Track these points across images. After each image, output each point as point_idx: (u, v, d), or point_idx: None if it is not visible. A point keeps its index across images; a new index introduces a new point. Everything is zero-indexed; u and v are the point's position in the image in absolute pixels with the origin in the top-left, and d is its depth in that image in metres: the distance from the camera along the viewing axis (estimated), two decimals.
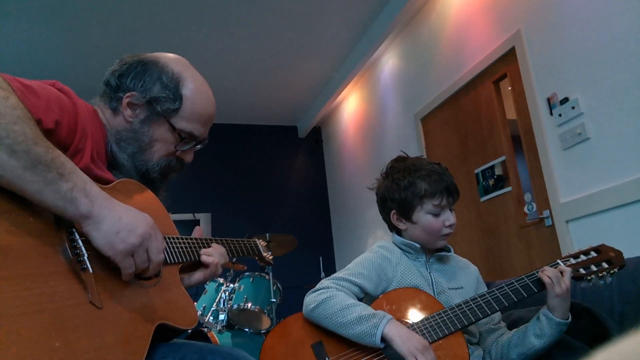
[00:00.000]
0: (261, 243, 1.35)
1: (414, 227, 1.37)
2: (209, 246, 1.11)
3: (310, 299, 1.28)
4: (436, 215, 1.33)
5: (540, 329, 1.22)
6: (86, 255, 0.79)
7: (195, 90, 1.07)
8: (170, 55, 1.11)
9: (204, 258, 1.07)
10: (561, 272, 1.21)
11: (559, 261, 1.26)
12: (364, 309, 1.22)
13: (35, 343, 0.67)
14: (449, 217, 1.34)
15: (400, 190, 1.36)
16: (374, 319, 1.19)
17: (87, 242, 0.81)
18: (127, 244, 0.81)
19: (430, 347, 1.16)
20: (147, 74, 1.04)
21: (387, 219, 1.44)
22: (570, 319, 1.22)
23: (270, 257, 1.37)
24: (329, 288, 1.29)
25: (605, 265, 1.23)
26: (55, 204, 0.75)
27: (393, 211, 1.40)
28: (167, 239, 1.00)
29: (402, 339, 1.14)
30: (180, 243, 1.04)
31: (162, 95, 1.03)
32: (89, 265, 0.79)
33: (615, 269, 1.22)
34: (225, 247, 1.17)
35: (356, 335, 1.19)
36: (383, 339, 1.17)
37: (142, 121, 1.03)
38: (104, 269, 0.83)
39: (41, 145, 0.74)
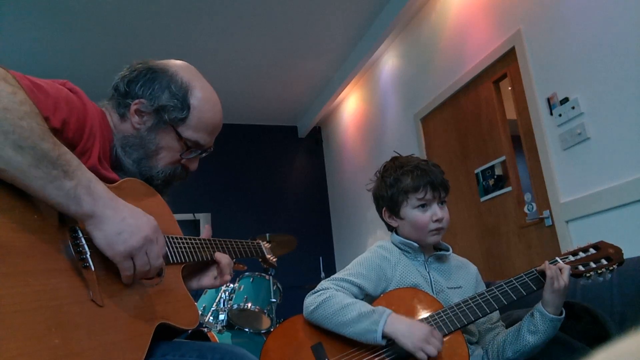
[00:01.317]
0: (265, 245, 1.35)
1: (404, 223, 1.38)
2: (217, 249, 1.13)
3: (310, 301, 1.28)
4: (422, 210, 1.35)
5: (534, 326, 1.22)
6: (89, 253, 0.79)
7: (203, 99, 1.08)
8: (179, 62, 1.11)
9: (222, 264, 1.11)
10: (560, 270, 1.22)
11: (557, 258, 1.26)
12: (363, 306, 1.22)
13: (36, 340, 0.67)
14: (436, 212, 1.34)
15: (387, 188, 1.39)
16: (373, 315, 1.19)
17: (90, 240, 0.81)
18: (128, 246, 0.81)
19: (434, 329, 1.17)
20: (156, 82, 1.04)
21: (381, 217, 1.46)
22: (563, 315, 1.22)
23: (274, 260, 1.38)
24: (328, 289, 1.29)
25: (604, 262, 1.23)
26: (58, 201, 0.75)
27: (384, 209, 1.43)
28: (171, 239, 1.00)
29: (404, 335, 1.15)
30: (183, 243, 1.04)
31: (170, 104, 1.03)
32: (91, 263, 0.79)
33: (614, 266, 1.22)
34: (229, 248, 1.18)
35: (357, 333, 1.19)
36: (385, 335, 1.17)
37: (149, 129, 1.04)
38: (106, 268, 0.83)
39: (48, 141, 0.74)
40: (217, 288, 3.03)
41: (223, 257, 1.11)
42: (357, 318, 1.19)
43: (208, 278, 1.11)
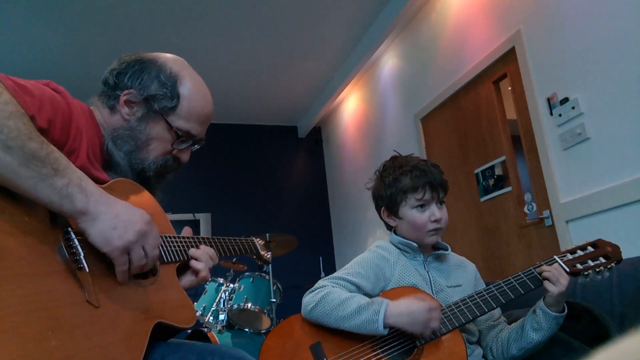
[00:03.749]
0: (259, 242, 1.35)
1: (402, 223, 1.39)
2: (197, 246, 1.08)
3: (308, 300, 1.28)
4: (421, 210, 1.35)
5: (538, 323, 1.23)
6: (82, 254, 0.79)
7: (193, 89, 1.07)
8: (169, 55, 1.11)
9: (193, 263, 1.04)
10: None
11: (555, 257, 1.26)
12: (361, 299, 1.23)
13: (32, 342, 0.67)
14: (434, 212, 1.34)
15: (386, 187, 1.39)
16: (373, 305, 1.20)
17: (83, 241, 0.80)
18: (124, 240, 0.81)
19: (431, 303, 1.19)
20: (145, 72, 1.04)
21: (380, 216, 1.46)
22: (566, 311, 1.22)
23: (269, 256, 1.37)
24: (325, 286, 1.29)
25: (602, 260, 1.22)
26: (50, 200, 0.75)
27: (383, 208, 1.43)
28: (164, 238, 1.00)
29: (407, 323, 1.17)
30: (177, 242, 1.03)
31: (160, 93, 1.03)
32: (85, 264, 0.79)
33: (612, 264, 1.21)
34: (222, 246, 1.17)
35: (358, 325, 1.19)
36: (387, 326, 1.18)
37: (139, 119, 1.04)
38: (101, 268, 0.83)
39: (35, 140, 0.74)
40: (215, 286, 3.05)
41: (197, 258, 1.05)
42: (357, 310, 1.20)
43: (187, 278, 1.05)
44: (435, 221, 1.34)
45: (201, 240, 1.11)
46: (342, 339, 1.23)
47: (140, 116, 1.03)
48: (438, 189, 1.35)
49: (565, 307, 1.23)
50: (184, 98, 1.05)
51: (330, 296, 1.24)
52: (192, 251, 1.05)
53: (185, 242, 1.06)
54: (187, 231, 1.11)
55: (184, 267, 1.07)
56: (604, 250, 1.24)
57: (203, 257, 1.06)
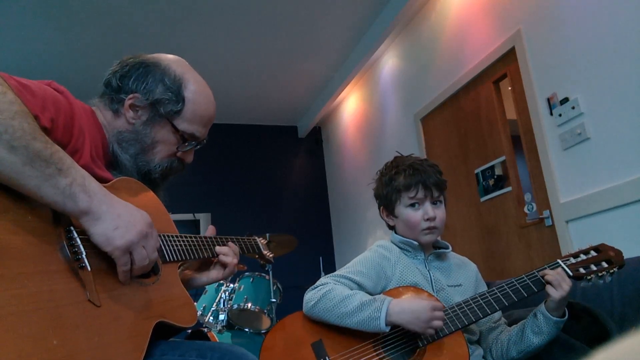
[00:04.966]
0: (261, 241, 1.35)
1: (398, 221, 1.41)
2: (222, 244, 1.14)
3: (310, 296, 1.28)
4: (414, 208, 1.36)
5: (538, 327, 1.23)
6: (84, 253, 0.79)
7: (197, 92, 1.08)
8: (171, 56, 1.11)
9: (222, 258, 1.12)
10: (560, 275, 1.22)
11: (559, 261, 1.26)
12: (363, 296, 1.23)
13: (34, 341, 0.67)
14: (427, 211, 1.35)
15: (383, 187, 1.42)
16: (375, 303, 1.20)
17: (86, 241, 0.81)
18: (126, 240, 0.82)
19: (434, 302, 1.19)
20: (149, 76, 1.04)
21: (381, 216, 1.48)
22: (567, 316, 1.22)
23: (271, 255, 1.38)
24: (327, 284, 1.30)
25: (605, 264, 1.22)
26: (54, 199, 0.75)
27: (382, 207, 1.45)
28: (167, 237, 1.00)
29: (409, 322, 1.17)
30: (179, 241, 1.04)
31: (165, 97, 1.04)
32: (87, 263, 0.79)
33: (615, 269, 1.21)
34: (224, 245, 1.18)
35: (360, 322, 1.20)
36: (389, 324, 1.18)
37: (144, 123, 1.04)
38: (103, 267, 0.83)
39: (40, 140, 0.74)
40: (215, 286, 3.05)
41: (225, 254, 1.13)
42: (359, 307, 1.20)
43: (216, 271, 1.14)
44: (429, 220, 1.34)
45: (204, 239, 1.11)
46: (344, 337, 1.23)
47: (146, 120, 1.04)
48: (431, 188, 1.35)
49: (566, 312, 1.23)
50: (188, 101, 1.06)
51: (332, 293, 1.25)
52: (219, 248, 1.13)
53: (187, 241, 1.06)
54: (211, 230, 1.17)
55: (207, 263, 1.15)
56: (607, 254, 1.24)
57: (230, 252, 1.14)
